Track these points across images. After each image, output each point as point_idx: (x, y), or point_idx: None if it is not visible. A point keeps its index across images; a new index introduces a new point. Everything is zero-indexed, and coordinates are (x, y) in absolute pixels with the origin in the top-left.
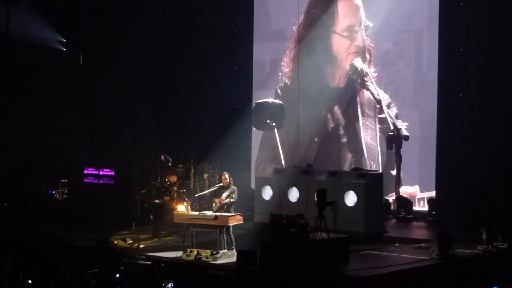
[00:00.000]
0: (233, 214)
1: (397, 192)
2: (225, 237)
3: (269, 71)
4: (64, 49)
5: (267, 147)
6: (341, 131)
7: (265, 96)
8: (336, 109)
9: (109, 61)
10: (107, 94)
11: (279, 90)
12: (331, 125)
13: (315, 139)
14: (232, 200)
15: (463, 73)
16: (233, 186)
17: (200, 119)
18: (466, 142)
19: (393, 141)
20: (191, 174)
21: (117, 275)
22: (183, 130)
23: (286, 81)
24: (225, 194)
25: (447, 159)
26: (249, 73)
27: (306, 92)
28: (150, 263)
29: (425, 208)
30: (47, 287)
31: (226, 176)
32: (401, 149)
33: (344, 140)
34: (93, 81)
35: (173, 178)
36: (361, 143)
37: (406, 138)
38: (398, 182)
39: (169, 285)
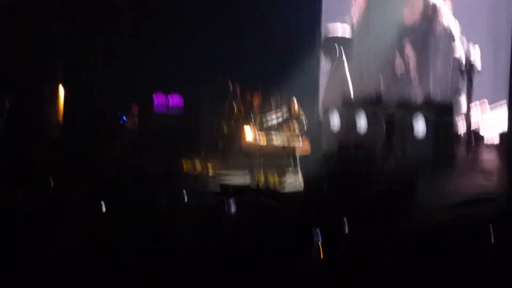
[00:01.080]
0: (300, 143)
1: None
2: (292, 166)
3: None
4: None
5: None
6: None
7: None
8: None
9: None
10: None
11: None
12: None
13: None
14: (302, 130)
15: None
16: (301, 115)
17: (268, 46)
18: None
19: (464, 73)
20: (258, 105)
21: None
22: (251, 56)
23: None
24: (296, 125)
25: None
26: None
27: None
28: (218, 190)
29: None
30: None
31: (296, 104)
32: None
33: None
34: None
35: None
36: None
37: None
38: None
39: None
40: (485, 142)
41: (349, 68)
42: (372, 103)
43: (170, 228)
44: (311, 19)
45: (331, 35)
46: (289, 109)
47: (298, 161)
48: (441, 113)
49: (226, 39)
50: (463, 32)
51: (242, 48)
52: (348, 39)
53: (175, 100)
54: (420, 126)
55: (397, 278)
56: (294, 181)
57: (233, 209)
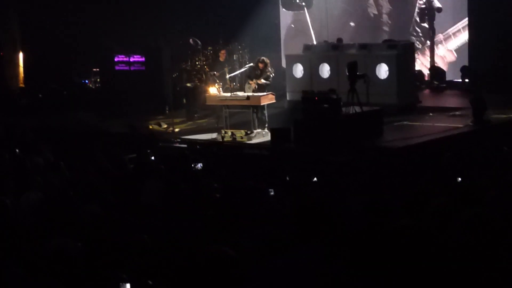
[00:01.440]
0: (265, 93)
1: (431, 62)
2: (258, 117)
3: None
4: None
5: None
6: (385, 19)
7: None
8: None
9: None
10: None
11: None
12: (374, 11)
13: (351, 23)
14: (267, 82)
15: None
16: (269, 69)
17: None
18: (500, 9)
19: (426, 13)
20: (226, 55)
21: (153, 158)
22: (211, 11)
23: None
24: (262, 76)
25: (480, 27)
26: None
27: None
28: (185, 146)
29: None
30: (85, 173)
31: (266, 61)
32: (434, 22)
33: (386, 28)
34: None
35: (222, 54)
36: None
37: (439, 10)
38: (432, 52)
39: (198, 165)
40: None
41: (310, 16)
42: (333, 49)
43: (137, 188)
44: None
45: None
46: (252, 61)
47: (263, 111)
48: (403, 53)
49: None
50: None
51: (200, 3)
52: None
53: (137, 59)
54: (382, 68)
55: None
56: (260, 132)
57: (199, 165)
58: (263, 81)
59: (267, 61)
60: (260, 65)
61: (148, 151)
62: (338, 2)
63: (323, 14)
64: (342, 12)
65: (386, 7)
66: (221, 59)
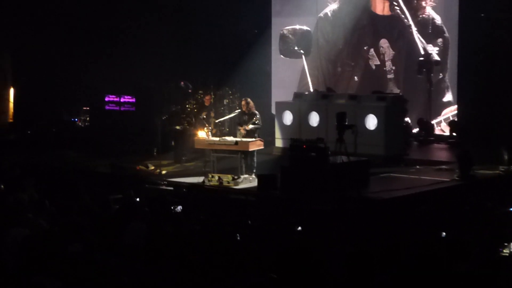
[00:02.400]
0: (254, 139)
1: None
2: (248, 163)
3: None
4: None
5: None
6: (388, 67)
7: (286, 23)
8: (383, 42)
9: None
10: (127, 20)
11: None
12: (376, 62)
13: (355, 78)
14: (257, 126)
15: None
16: (254, 111)
17: (219, 44)
18: (487, 64)
19: (424, 66)
20: (211, 100)
21: (138, 199)
22: (202, 55)
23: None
24: (250, 121)
25: (468, 81)
26: None
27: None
28: (171, 188)
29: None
30: (69, 212)
31: (248, 100)
32: (432, 74)
33: (391, 76)
34: (113, 7)
35: (207, 99)
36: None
37: (437, 63)
38: (429, 107)
39: (178, 208)
40: (437, 132)
41: (307, 63)
42: (323, 98)
43: (120, 229)
44: (262, 16)
45: (287, 29)
46: (242, 105)
47: (253, 157)
48: (392, 106)
49: (177, 41)
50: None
51: (193, 47)
52: (306, 32)
53: (128, 100)
54: (370, 119)
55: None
56: (247, 177)
57: (178, 208)
58: (251, 126)
59: (249, 101)
60: (243, 104)
61: (133, 192)
62: (334, 52)
63: (321, 62)
64: (343, 65)
65: (388, 53)
66: (206, 103)
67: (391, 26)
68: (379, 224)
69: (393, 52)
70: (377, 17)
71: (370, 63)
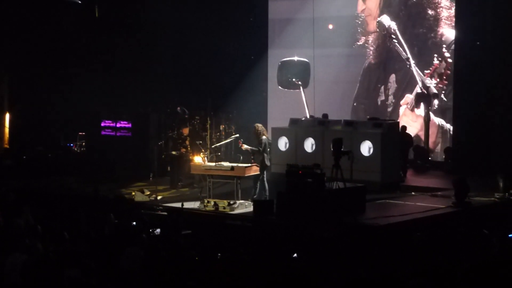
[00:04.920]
0: (249, 164)
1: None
2: (259, 187)
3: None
4: (80, 2)
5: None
6: (389, 101)
7: (280, 54)
8: (392, 78)
9: (124, 14)
10: (124, 46)
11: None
12: (382, 98)
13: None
14: (255, 148)
15: (480, 21)
16: (260, 137)
17: (217, 70)
18: (483, 91)
19: (422, 99)
20: (207, 126)
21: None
22: (199, 81)
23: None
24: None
25: (464, 108)
26: (265, 25)
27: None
28: (166, 213)
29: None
30: (62, 240)
31: (259, 128)
32: (430, 107)
33: (390, 109)
34: (109, 33)
35: (186, 131)
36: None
37: (435, 95)
38: (427, 135)
39: (157, 230)
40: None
41: (305, 95)
42: (319, 124)
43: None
44: (259, 43)
45: (287, 64)
46: (238, 131)
47: (265, 180)
48: (388, 132)
49: (173, 66)
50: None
51: (190, 73)
52: (304, 64)
53: (124, 125)
54: (366, 146)
55: None
56: (243, 202)
57: (157, 231)
58: (246, 146)
59: (257, 128)
60: (254, 131)
61: (129, 217)
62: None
63: (319, 91)
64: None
65: (393, 88)
66: (204, 127)
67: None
68: (375, 250)
69: (396, 86)
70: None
71: (378, 99)
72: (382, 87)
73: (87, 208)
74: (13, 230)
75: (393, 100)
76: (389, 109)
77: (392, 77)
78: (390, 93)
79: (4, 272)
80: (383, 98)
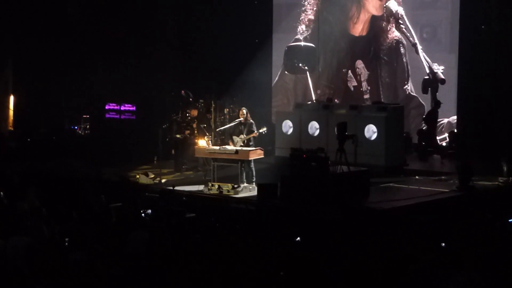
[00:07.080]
0: (253, 148)
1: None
2: (245, 171)
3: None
4: None
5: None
6: (364, 87)
7: (284, 38)
8: (359, 63)
9: None
10: (128, 29)
11: (301, 38)
12: (353, 83)
13: (336, 100)
14: (255, 134)
15: (486, 4)
16: (250, 121)
17: (221, 54)
18: (488, 75)
19: (429, 85)
20: (212, 109)
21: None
22: (204, 65)
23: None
24: (245, 131)
25: (469, 93)
26: (269, 9)
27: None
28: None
29: (445, 139)
30: (69, 221)
31: (244, 111)
32: (437, 93)
33: (367, 96)
34: (115, 16)
35: (194, 112)
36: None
37: (443, 81)
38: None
39: (148, 211)
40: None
41: (311, 79)
42: (324, 108)
43: (122, 237)
44: (263, 31)
45: (293, 49)
46: (240, 115)
47: (251, 165)
48: (392, 116)
49: (178, 49)
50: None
51: (194, 57)
52: (311, 49)
53: (128, 108)
54: (371, 129)
55: None
56: (247, 186)
57: (148, 212)
58: (249, 136)
59: (244, 110)
60: (242, 114)
61: (133, 200)
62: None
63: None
64: (333, 72)
65: (364, 74)
66: (209, 111)
67: (366, 47)
68: (379, 234)
69: (368, 73)
70: (354, 39)
71: (349, 84)
72: (350, 72)
73: (95, 191)
74: (16, 213)
75: (369, 88)
76: (366, 96)
77: (359, 63)
78: (362, 79)
79: (6, 255)
80: (355, 83)
